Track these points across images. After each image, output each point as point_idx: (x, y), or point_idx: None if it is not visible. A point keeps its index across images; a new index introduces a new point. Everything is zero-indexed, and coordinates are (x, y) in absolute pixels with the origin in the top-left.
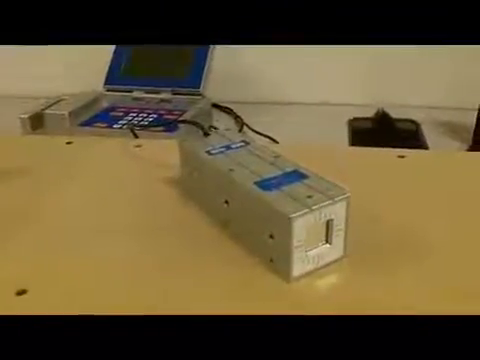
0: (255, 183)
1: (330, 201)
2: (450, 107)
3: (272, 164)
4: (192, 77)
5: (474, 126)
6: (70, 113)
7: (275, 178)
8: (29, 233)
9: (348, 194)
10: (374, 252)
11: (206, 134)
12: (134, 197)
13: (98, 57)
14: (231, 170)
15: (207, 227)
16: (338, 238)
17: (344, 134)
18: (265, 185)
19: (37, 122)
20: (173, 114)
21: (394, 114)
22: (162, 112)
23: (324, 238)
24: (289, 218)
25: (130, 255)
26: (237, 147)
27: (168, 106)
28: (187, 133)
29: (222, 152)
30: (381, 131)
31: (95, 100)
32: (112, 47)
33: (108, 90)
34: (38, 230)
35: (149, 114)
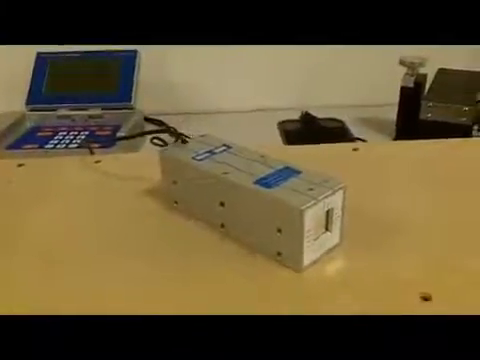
0: (255, 182)
1: (331, 191)
2: (370, 105)
3: (262, 164)
4: (122, 91)
5: (396, 120)
6: None
7: (270, 176)
8: (19, 257)
9: (344, 184)
10: (363, 237)
11: (184, 141)
12: (120, 211)
13: (13, 76)
14: (225, 173)
15: (203, 231)
16: (336, 226)
17: (276, 136)
18: (264, 183)
19: None
20: (106, 130)
21: (318, 114)
22: (93, 128)
23: (325, 227)
24: (300, 210)
25: (133, 267)
26: (221, 151)
27: (99, 122)
28: (124, 148)
29: (207, 157)
30: (310, 130)
31: (18, 121)
32: (30, 66)
33: (31, 110)
34: (27, 255)
35: (80, 132)
